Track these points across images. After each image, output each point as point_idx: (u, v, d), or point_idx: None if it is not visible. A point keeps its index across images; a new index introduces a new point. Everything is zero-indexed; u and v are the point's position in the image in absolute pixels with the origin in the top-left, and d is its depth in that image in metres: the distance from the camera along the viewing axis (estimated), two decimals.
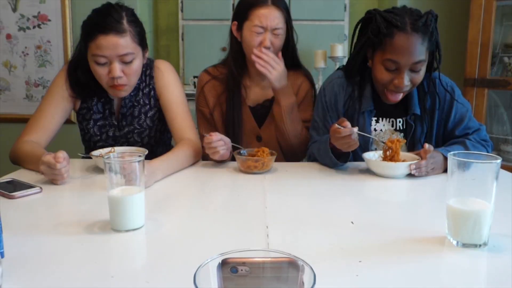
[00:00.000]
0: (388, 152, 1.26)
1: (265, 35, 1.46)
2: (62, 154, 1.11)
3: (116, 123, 1.45)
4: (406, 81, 1.25)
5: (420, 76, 1.27)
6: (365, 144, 1.39)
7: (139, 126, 1.45)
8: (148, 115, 1.46)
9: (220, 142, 1.29)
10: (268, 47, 1.47)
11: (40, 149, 1.29)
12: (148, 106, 1.46)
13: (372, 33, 1.26)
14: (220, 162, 1.37)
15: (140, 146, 1.44)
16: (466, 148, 1.29)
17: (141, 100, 1.45)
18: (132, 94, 1.44)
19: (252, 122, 1.58)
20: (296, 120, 1.52)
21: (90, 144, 1.48)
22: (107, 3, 1.34)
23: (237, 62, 1.56)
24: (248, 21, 1.48)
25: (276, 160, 1.33)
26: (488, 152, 1.33)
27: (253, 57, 1.44)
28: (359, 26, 1.36)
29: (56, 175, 1.12)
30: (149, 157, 1.21)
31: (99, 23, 1.27)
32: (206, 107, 1.59)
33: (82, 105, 1.45)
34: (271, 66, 1.44)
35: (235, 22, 1.53)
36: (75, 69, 1.40)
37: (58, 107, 1.40)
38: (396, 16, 1.23)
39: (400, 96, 1.31)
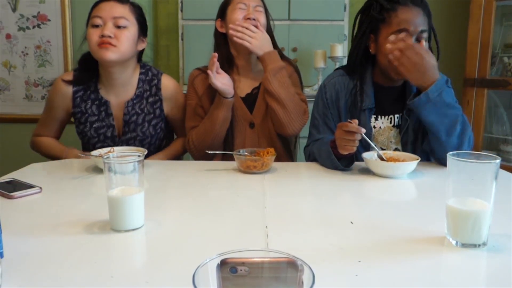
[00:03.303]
0: None
1: (248, 10, 1.53)
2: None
3: (113, 124, 1.47)
4: None
5: (425, 47, 1.32)
6: (365, 140, 1.39)
7: (142, 133, 1.48)
8: (152, 123, 1.50)
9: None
10: (253, 18, 1.51)
11: (59, 145, 1.54)
12: (152, 115, 1.49)
13: (375, 12, 1.33)
14: (224, 98, 1.47)
15: None
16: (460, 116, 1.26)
17: (145, 108, 1.48)
18: (135, 101, 1.47)
19: (244, 109, 1.58)
20: (285, 83, 1.50)
21: (89, 147, 1.50)
22: None
23: (224, 57, 1.56)
24: (230, 5, 1.55)
25: (276, 159, 1.33)
26: (469, 138, 1.30)
27: (230, 32, 1.49)
28: (359, 17, 1.41)
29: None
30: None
31: None
32: (195, 99, 1.58)
33: (75, 109, 1.49)
34: (249, 36, 1.47)
35: (219, 19, 1.59)
36: (84, 58, 1.49)
37: (56, 118, 1.54)
38: None
39: None
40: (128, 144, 1.48)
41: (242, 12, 1.53)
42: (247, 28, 1.47)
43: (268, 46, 1.51)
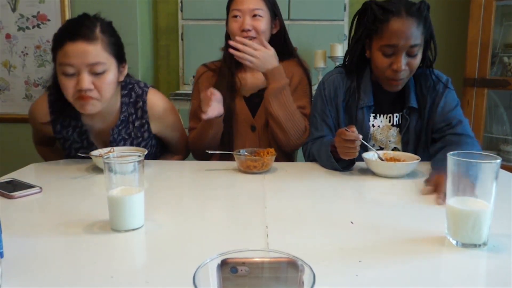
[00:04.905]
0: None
1: (244, 19, 1.46)
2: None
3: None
4: (403, 64, 1.27)
5: (416, 61, 1.30)
6: (363, 139, 1.39)
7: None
8: (141, 145, 1.40)
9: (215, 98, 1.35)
10: (248, 29, 1.45)
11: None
12: (140, 139, 1.39)
13: (369, 21, 1.30)
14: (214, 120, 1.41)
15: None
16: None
17: (132, 133, 1.37)
18: (120, 128, 1.36)
19: (246, 111, 1.55)
20: (286, 103, 1.46)
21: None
22: (82, 14, 1.25)
23: (231, 54, 1.52)
24: (230, 12, 1.51)
25: (276, 160, 1.33)
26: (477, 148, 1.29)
27: (230, 50, 1.41)
28: (356, 19, 1.39)
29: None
30: None
31: (68, 30, 1.20)
32: (198, 99, 1.53)
33: (57, 135, 1.38)
34: (250, 54, 1.40)
35: (226, 20, 1.57)
36: (53, 92, 1.32)
37: (43, 136, 1.46)
38: (391, 3, 1.28)
39: (400, 83, 1.32)
40: None
41: (238, 22, 1.47)
42: (249, 45, 1.40)
43: (271, 63, 1.43)
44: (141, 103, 1.35)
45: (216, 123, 1.43)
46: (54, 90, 1.29)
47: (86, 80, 1.17)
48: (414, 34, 1.25)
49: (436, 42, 1.34)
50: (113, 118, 1.35)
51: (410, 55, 1.28)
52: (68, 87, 1.19)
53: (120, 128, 1.35)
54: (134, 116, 1.36)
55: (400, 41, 1.25)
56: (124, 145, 1.38)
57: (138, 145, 1.39)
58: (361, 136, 1.18)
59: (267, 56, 1.42)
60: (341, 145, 1.20)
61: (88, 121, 1.35)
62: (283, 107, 1.46)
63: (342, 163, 1.27)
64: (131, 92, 1.35)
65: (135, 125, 1.36)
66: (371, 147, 1.30)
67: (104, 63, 1.19)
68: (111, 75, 1.22)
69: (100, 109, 1.24)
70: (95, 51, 1.17)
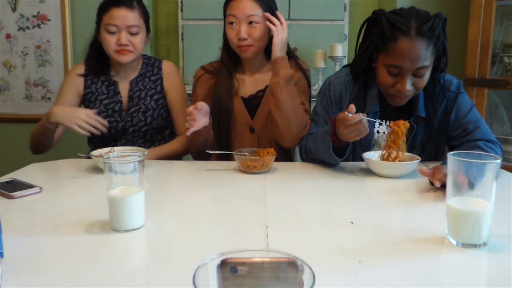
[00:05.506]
0: (392, 136, 1.24)
1: (240, 26, 1.45)
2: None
3: (121, 100, 1.62)
4: (408, 86, 1.23)
5: (423, 81, 1.25)
6: (367, 145, 1.38)
7: (144, 106, 1.63)
8: (154, 98, 1.64)
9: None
10: (244, 38, 1.44)
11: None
12: (154, 90, 1.66)
13: (376, 36, 1.25)
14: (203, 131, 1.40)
15: (143, 125, 1.62)
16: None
17: (148, 85, 1.66)
18: (139, 79, 1.66)
19: (245, 113, 1.55)
20: (293, 93, 1.46)
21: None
22: None
23: (229, 56, 1.56)
24: (226, 16, 1.51)
25: (276, 160, 1.33)
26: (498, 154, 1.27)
27: (266, 15, 1.45)
28: (365, 26, 1.34)
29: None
30: (148, 140, 1.64)
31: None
32: (196, 101, 1.52)
33: (86, 90, 1.64)
34: (282, 30, 1.45)
35: (224, 22, 1.55)
36: (93, 49, 1.64)
37: (65, 103, 1.63)
38: (401, 19, 1.20)
39: (404, 99, 1.30)
40: (132, 117, 1.61)
41: (234, 29, 1.46)
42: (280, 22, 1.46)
43: (284, 51, 1.47)
44: (157, 63, 1.71)
45: (202, 133, 1.41)
46: (92, 51, 1.64)
47: (125, 37, 1.53)
48: (422, 56, 1.19)
49: (448, 52, 1.28)
50: (135, 74, 1.67)
51: (417, 75, 1.23)
52: (110, 41, 1.54)
53: (138, 80, 1.66)
54: (151, 72, 1.68)
55: (405, 63, 1.19)
56: (140, 94, 1.63)
57: (151, 96, 1.64)
58: (361, 115, 1.14)
59: (285, 41, 1.48)
60: (349, 130, 1.16)
61: (115, 76, 1.66)
62: (291, 97, 1.45)
63: (339, 153, 1.25)
64: (151, 57, 1.73)
65: (151, 79, 1.67)
66: (375, 120, 1.30)
67: (139, 26, 1.55)
68: (142, 36, 1.58)
69: (132, 59, 1.59)
70: (133, 16, 1.54)
